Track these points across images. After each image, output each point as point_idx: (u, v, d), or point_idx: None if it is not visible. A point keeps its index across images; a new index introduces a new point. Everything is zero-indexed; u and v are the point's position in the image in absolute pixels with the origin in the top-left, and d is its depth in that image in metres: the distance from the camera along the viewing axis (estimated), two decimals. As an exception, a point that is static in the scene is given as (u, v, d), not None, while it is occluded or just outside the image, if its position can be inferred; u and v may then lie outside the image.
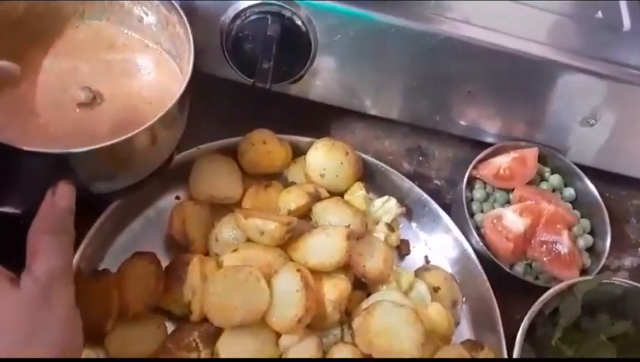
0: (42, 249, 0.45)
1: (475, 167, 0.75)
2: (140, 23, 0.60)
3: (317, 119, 0.79)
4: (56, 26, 0.59)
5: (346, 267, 0.62)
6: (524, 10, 0.76)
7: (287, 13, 0.66)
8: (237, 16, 0.66)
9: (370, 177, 0.74)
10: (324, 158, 0.69)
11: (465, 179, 0.74)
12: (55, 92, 0.55)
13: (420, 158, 0.82)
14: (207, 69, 0.71)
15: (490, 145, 0.77)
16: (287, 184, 0.71)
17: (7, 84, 0.51)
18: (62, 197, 0.47)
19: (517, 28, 0.72)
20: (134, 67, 0.59)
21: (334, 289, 0.60)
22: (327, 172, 0.69)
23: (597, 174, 0.79)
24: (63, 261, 0.46)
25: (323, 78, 0.73)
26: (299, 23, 0.66)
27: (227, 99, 0.75)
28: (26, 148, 0.44)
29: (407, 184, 0.73)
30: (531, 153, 0.76)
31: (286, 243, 0.62)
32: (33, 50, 0.57)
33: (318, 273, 0.61)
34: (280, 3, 0.65)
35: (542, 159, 0.78)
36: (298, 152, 0.73)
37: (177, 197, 0.69)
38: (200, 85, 0.66)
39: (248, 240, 0.63)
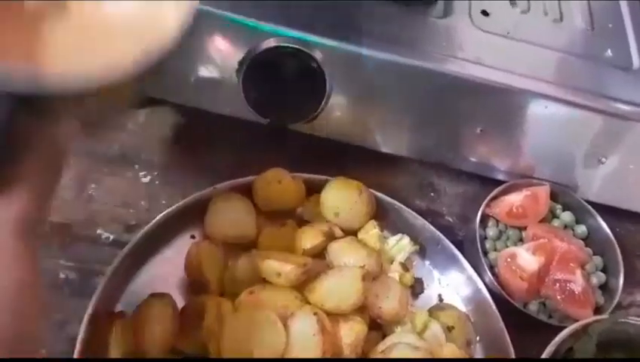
0: None
1: (487, 205, 0.75)
2: None
3: (331, 156, 0.79)
4: None
5: (361, 308, 0.62)
6: (534, 50, 0.77)
7: (303, 55, 0.67)
8: (253, 57, 0.67)
9: (383, 215, 0.74)
10: (338, 197, 0.70)
11: (478, 218, 0.74)
12: None
13: (432, 194, 0.83)
14: (222, 109, 0.72)
15: (499, 181, 0.78)
16: (301, 222, 0.71)
17: None
18: None
19: (527, 68, 0.73)
20: None
21: (351, 333, 0.60)
22: (341, 211, 0.70)
23: (605, 209, 0.79)
24: None
25: (337, 117, 0.73)
26: (314, 64, 0.67)
27: (242, 138, 0.76)
28: None
29: (420, 221, 0.73)
30: (543, 190, 0.76)
31: (302, 284, 0.62)
32: None
33: (334, 314, 0.61)
34: (295, 45, 0.66)
35: (553, 196, 0.78)
36: (312, 190, 0.73)
37: (192, 236, 0.69)
38: (215, 124, 0.66)
39: (264, 279, 0.63)
